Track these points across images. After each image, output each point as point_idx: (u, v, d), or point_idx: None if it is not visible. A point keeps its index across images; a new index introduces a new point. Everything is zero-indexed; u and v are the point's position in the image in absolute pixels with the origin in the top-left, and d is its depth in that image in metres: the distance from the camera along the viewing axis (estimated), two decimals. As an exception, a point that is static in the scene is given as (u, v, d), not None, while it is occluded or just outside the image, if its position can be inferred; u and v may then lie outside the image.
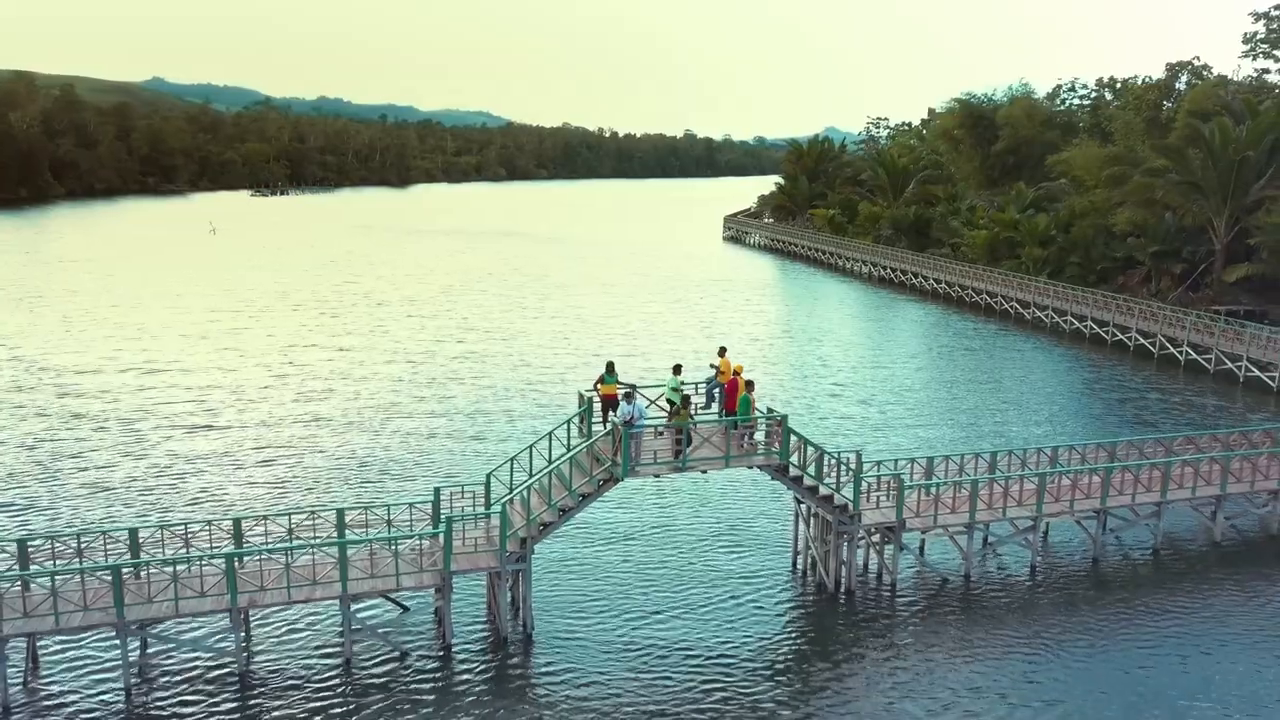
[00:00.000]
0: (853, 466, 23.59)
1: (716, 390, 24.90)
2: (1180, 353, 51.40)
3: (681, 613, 23.21)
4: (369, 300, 71.47)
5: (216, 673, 20.26)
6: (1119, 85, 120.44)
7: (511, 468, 23.38)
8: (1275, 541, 27.70)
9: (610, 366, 23.80)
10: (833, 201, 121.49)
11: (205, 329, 58.68)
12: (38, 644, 20.44)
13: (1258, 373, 46.78)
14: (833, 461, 23.53)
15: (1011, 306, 67.86)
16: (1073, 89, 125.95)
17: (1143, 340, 54.72)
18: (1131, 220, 70.55)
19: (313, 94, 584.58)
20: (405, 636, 21.91)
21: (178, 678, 20.08)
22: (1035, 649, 21.73)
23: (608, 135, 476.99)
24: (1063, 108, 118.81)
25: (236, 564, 20.12)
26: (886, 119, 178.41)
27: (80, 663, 20.55)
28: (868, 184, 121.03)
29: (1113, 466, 26.12)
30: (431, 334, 58.81)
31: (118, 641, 20.36)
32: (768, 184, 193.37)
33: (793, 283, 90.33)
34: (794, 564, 25.76)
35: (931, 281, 79.66)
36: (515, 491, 22.04)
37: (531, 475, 23.32)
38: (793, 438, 22.63)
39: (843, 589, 24.07)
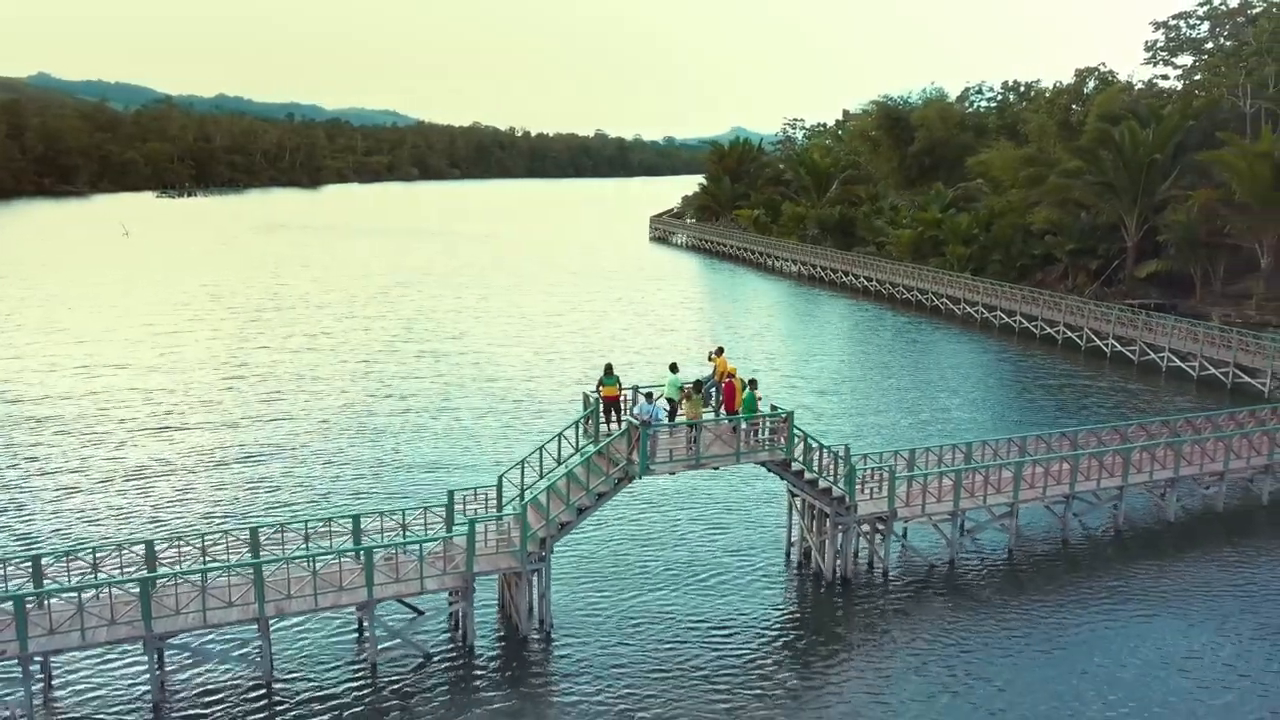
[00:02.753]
0: (851, 461, 24.71)
1: (713, 390, 25.68)
2: (1106, 345, 54.39)
3: (688, 605, 23.92)
4: (308, 303, 70.25)
5: (242, 682, 20.17)
6: (1023, 88, 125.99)
7: (523, 470, 23.84)
8: (1221, 519, 29.89)
9: (609, 369, 24.38)
10: (756, 202, 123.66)
11: (143, 333, 57.09)
12: (51, 661, 20.08)
13: (1179, 362, 49.87)
14: (829, 456, 24.55)
15: (942, 303, 70.48)
16: (980, 92, 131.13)
17: (1070, 333, 57.64)
18: (1049, 219, 74.11)
19: (211, 91, 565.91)
20: (424, 639, 22.12)
21: (203, 689, 19.94)
22: (1019, 624, 23.22)
23: (520, 134, 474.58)
24: (971, 109, 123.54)
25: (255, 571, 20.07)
26: (803, 120, 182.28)
27: (97, 678, 20.22)
28: (791, 184, 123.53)
29: (1080, 454, 27.85)
30: (379, 335, 58.35)
31: (133, 654, 20.37)
32: (681, 184, 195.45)
33: (725, 281, 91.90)
34: (788, 555, 26.77)
35: (863, 280, 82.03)
36: (537, 493, 22.45)
37: (541, 476, 23.86)
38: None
39: (839, 577, 25.16)
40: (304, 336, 57.31)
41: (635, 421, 21.90)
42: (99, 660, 20.65)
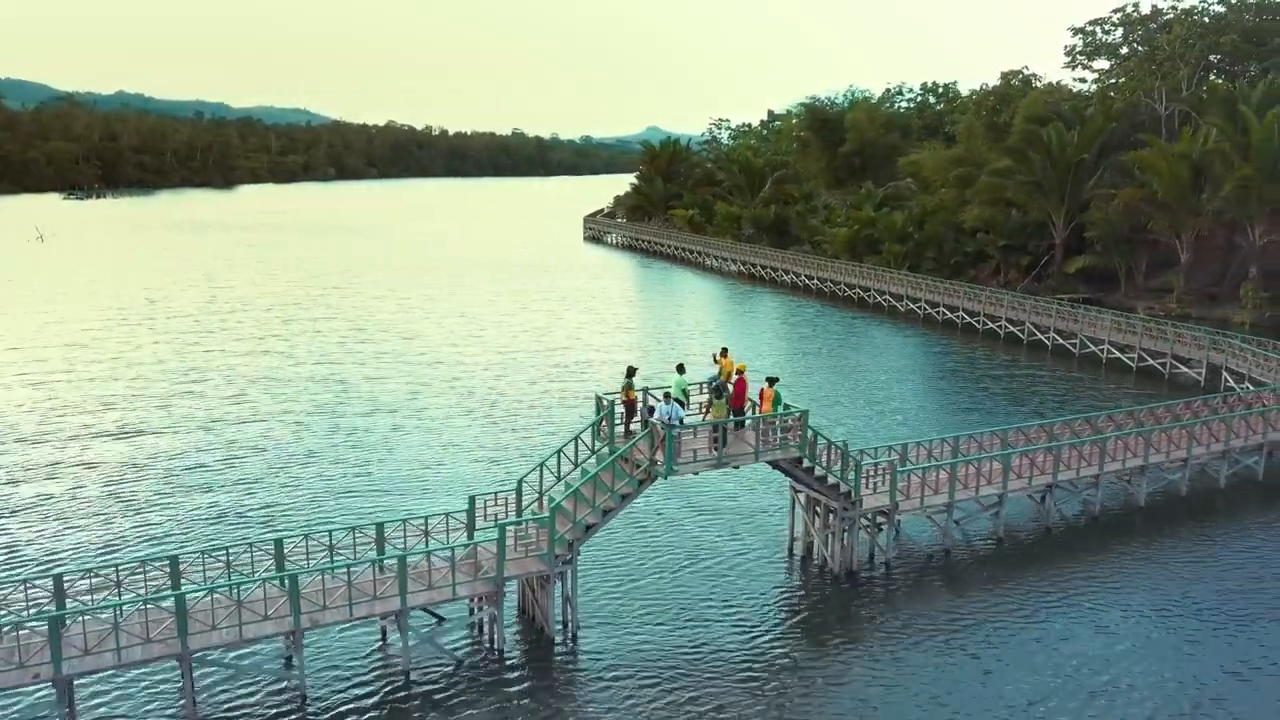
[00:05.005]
0: (852, 457, 25.53)
1: (721, 389, 26.14)
2: (1047, 338, 56.69)
3: (702, 600, 24.38)
4: (251, 306, 68.60)
5: (274, 695, 19.92)
6: (941, 89, 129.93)
7: (541, 473, 24.01)
8: (1185, 501, 31.65)
9: (631, 371, 24.73)
10: (690, 202, 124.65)
11: (84, 339, 55.18)
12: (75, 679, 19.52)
13: (1118, 354, 52.35)
14: (836, 452, 25.30)
15: (884, 299, 72.32)
16: (900, 93, 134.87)
17: (1011, 328, 59.90)
18: (980, 217, 76.75)
19: (110, 88, 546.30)
20: (451, 645, 22.12)
21: (235, 704, 19.63)
22: (1014, 603, 24.44)
23: (437, 133, 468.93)
24: (893, 110, 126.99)
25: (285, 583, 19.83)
26: (728, 120, 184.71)
27: (125, 696, 19.75)
28: (725, 184, 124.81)
29: (1062, 444, 29.24)
30: (332, 338, 57.57)
31: (161, 671, 20.02)
32: (602, 183, 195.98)
33: (665, 280, 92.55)
34: (790, 549, 27.46)
35: (804, 278, 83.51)
36: (561, 497, 22.62)
37: (559, 478, 24.08)
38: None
39: (844, 569, 25.95)
40: (255, 340, 56.12)
41: (658, 424, 22.27)
42: (128, 678, 20.16)
